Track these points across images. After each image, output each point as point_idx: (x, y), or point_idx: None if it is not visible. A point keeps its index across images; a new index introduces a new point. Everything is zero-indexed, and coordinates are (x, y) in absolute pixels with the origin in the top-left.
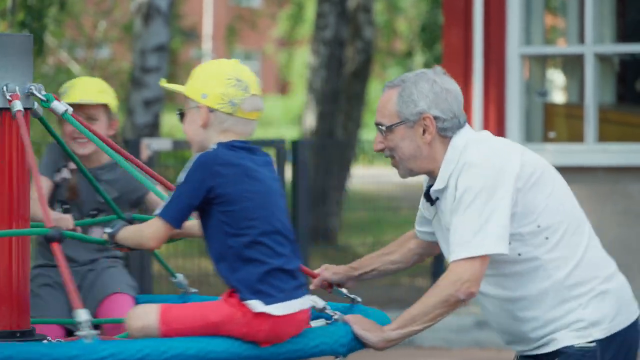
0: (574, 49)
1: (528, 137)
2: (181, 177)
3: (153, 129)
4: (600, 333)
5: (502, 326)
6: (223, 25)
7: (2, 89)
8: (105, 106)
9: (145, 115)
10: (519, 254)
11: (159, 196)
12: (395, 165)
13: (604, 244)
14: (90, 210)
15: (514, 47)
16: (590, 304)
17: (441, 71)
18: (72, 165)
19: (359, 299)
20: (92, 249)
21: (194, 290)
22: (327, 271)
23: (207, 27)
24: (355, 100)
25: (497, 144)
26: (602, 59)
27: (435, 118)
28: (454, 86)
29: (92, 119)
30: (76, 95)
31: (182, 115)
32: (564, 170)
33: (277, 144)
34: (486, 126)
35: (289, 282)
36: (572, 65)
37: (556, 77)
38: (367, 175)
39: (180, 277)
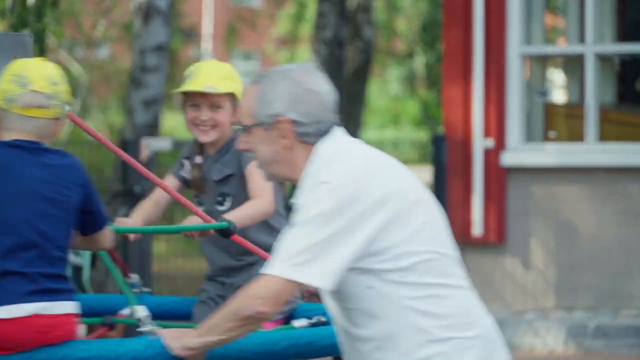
0: (575, 48)
1: (528, 137)
2: None
3: (153, 129)
4: None
5: None
6: (223, 25)
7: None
8: (230, 94)
9: (145, 115)
10: (369, 288)
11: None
12: (259, 167)
13: (604, 244)
14: (217, 197)
15: (514, 47)
16: (452, 354)
17: (310, 68)
18: (196, 159)
19: (147, 290)
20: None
21: (146, 289)
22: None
23: (207, 27)
24: (355, 100)
25: (362, 166)
26: (602, 58)
27: (293, 122)
28: (321, 87)
29: (216, 106)
30: (199, 82)
31: None
32: (564, 170)
33: None
34: (486, 126)
35: (24, 286)
36: (573, 65)
37: (556, 77)
38: None
39: (135, 277)
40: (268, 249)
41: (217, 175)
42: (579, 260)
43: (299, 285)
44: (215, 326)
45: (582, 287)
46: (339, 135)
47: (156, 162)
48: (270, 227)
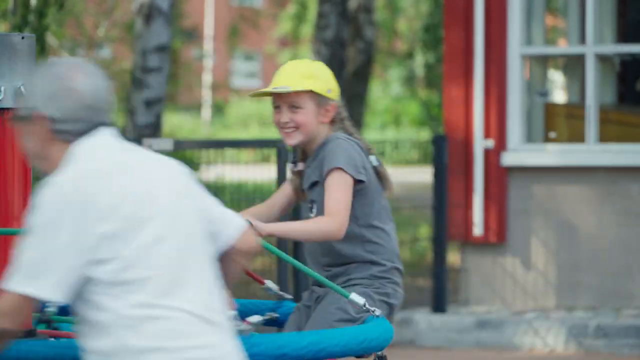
0: (575, 49)
1: (529, 137)
2: None
3: (154, 129)
4: None
5: None
6: (224, 25)
7: (20, 88)
8: (311, 92)
9: (147, 115)
10: (91, 300)
11: None
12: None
13: (605, 244)
14: (308, 204)
15: (515, 47)
16: None
17: (81, 64)
18: (298, 166)
19: (289, 296)
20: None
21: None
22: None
23: (209, 27)
24: (356, 100)
25: (98, 170)
26: (603, 59)
27: (50, 118)
28: (85, 85)
29: (295, 107)
30: (275, 82)
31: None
32: (564, 170)
33: (277, 143)
34: (487, 126)
35: None
36: (573, 65)
37: (557, 77)
38: None
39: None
40: (357, 260)
41: (306, 183)
42: (579, 260)
43: (34, 298)
44: None
45: (583, 287)
46: (100, 135)
47: None
48: (359, 238)
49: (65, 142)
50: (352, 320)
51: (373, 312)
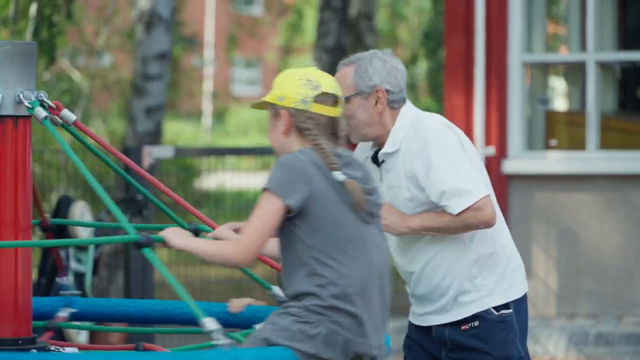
0: (576, 56)
1: (529, 145)
2: None
3: (155, 137)
4: None
5: None
6: (225, 33)
7: (18, 95)
8: (267, 103)
9: (147, 122)
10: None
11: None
12: (349, 132)
13: (606, 251)
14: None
15: (516, 55)
16: None
17: (390, 52)
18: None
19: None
20: None
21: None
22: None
23: (209, 35)
24: None
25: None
26: (603, 66)
27: (387, 91)
28: (401, 66)
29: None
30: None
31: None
32: (565, 178)
33: None
34: (488, 133)
35: None
36: (574, 72)
37: (558, 85)
38: None
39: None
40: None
41: None
42: (580, 267)
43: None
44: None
45: (584, 294)
46: (410, 103)
47: (158, 170)
48: (303, 267)
49: (394, 109)
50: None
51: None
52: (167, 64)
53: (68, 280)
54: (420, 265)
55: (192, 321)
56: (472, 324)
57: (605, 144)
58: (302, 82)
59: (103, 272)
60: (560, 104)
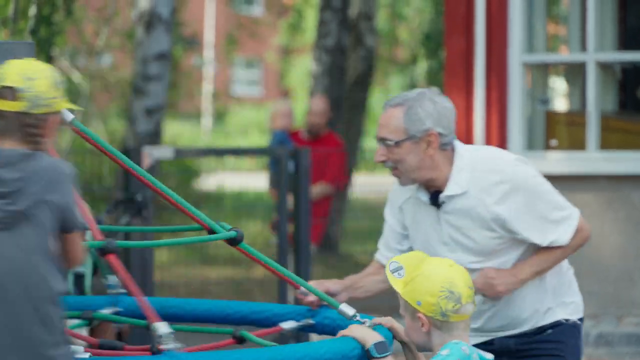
0: (576, 56)
1: (530, 145)
2: None
3: (154, 137)
4: None
5: None
6: (225, 33)
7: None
8: None
9: (147, 123)
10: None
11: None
12: (397, 175)
13: (606, 252)
14: None
15: (516, 55)
16: None
17: (437, 91)
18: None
19: (325, 303)
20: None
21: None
22: (321, 284)
23: (209, 35)
24: (356, 108)
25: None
26: (604, 66)
27: (439, 134)
28: (450, 104)
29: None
30: None
31: None
32: (565, 178)
33: (278, 152)
34: (488, 134)
35: None
36: (574, 73)
37: (558, 85)
38: (369, 184)
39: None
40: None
41: None
42: (581, 267)
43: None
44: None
45: (584, 295)
46: (458, 142)
47: (158, 171)
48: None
49: (446, 151)
50: None
51: (364, 323)
52: (167, 65)
53: (114, 280)
54: (497, 304)
55: (241, 322)
56: (546, 332)
57: (606, 144)
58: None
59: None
60: (560, 104)
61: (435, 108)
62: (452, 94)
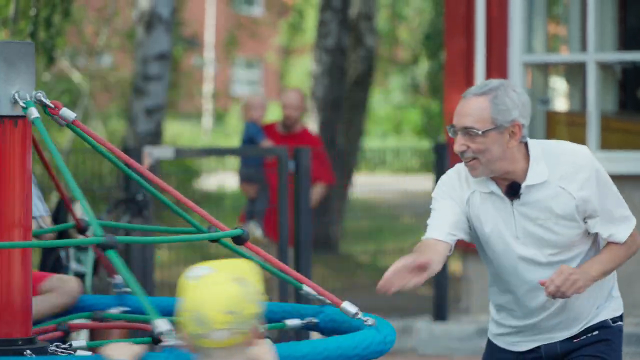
0: (576, 56)
1: None
2: None
3: (155, 137)
4: None
5: None
6: (224, 33)
7: (14, 96)
8: None
9: (147, 123)
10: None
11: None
12: (474, 166)
13: None
14: None
15: (516, 55)
16: None
17: (512, 82)
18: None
19: (329, 302)
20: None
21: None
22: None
23: (209, 35)
24: (357, 108)
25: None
26: (604, 66)
27: (522, 125)
28: (527, 96)
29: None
30: None
31: None
32: None
33: (278, 151)
34: None
35: None
36: (574, 73)
37: (558, 85)
38: (369, 184)
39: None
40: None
41: None
42: None
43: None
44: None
45: None
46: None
47: (158, 171)
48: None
49: (522, 143)
50: None
51: (365, 321)
52: (167, 65)
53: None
54: (560, 301)
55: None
56: (592, 333)
57: (606, 144)
58: None
59: (103, 273)
60: (560, 104)
61: (519, 98)
62: (452, 94)
